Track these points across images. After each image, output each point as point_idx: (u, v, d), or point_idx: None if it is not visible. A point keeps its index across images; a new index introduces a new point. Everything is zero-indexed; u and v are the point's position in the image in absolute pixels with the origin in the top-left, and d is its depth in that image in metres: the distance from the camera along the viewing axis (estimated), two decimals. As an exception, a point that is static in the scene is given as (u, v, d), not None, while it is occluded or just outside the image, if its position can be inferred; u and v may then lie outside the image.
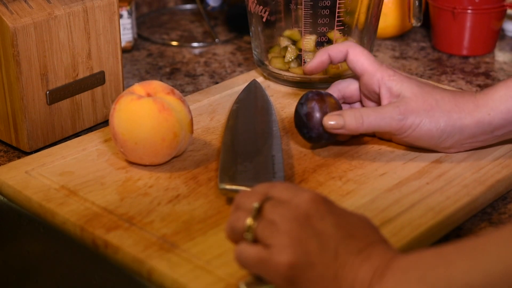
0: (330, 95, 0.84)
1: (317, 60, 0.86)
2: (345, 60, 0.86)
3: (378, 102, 0.84)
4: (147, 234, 0.72)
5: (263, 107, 0.92)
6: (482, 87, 1.07)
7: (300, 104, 0.84)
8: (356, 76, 0.87)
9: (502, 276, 0.54)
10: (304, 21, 0.97)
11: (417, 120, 0.80)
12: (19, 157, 0.89)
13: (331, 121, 0.81)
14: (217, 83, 1.07)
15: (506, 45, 1.21)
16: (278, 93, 1.00)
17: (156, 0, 1.36)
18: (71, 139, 0.91)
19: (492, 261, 0.55)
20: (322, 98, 0.83)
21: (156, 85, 0.82)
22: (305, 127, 0.83)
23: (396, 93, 0.81)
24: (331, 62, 0.86)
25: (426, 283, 0.57)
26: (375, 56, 1.16)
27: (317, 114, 0.82)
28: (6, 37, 0.84)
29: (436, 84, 1.00)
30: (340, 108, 0.84)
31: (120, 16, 1.15)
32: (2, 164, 0.87)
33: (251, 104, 0.93)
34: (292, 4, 0.97)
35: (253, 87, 0.97)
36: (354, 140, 0.88)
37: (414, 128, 0.80)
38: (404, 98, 0.81)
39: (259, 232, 0.62)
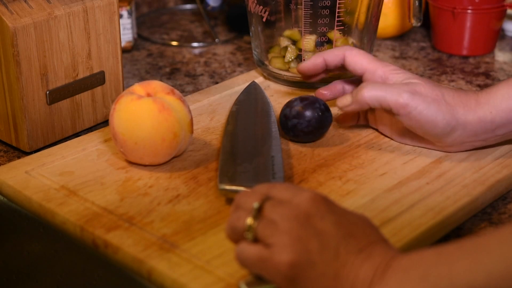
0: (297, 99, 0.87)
1: (311, 62, 0.86)
2: (342, 64, 0.86)
3: None
4: (147, 234, 0.72)
5: (262, 108, 0.92)
6: (482, 87, 1.07)
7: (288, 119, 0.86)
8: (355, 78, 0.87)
9: (503, 275, 0.54)
10: (304, 21, 0.97)
11: (424, 103, 0.79)
12: (19, 157, 0.89)
13: (341, 100, 0.83)
14: (217, 83, 1.07)
15: (506, 45, 1.21)
16: (278, 93, 1.00)
17: (156, 0, 1.36)
18: (71, 139, 0.91)
19: (494, 260, 0.55)
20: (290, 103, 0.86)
21: (156, 85, 0.82)
22: (285, 128, 0.87)
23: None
24: (326, 66, 0.86)
25: (427, 282, 0.57)
26: (375, 56, 1.16)
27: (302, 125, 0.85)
28: (6, 37, 0.84)
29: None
30: (308, 102, 0.86)
31: (120, 16, 1.15)
32: (2, 164, 0.87)
33: (250, 105, 0.93)
34: (292, 4, 0.97)
35: (253, 88, 0.97)
36: (355, 139, 0.88)
37: (420, 110, 0.79)
38: (412, 82, 0.80)
39: (260, 231, 0.62)
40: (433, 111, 0.79)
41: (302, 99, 0.86)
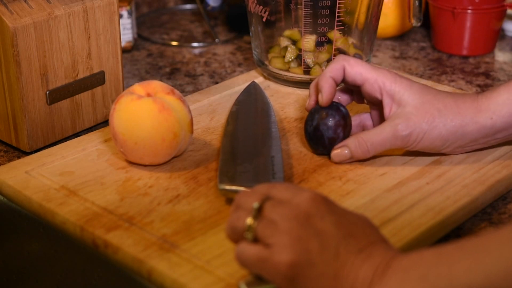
0: (339, 108, 0.84)
1: (326, 89, 0.83)
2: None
3: (381, 106, 0.84)
4: (147, 234, 0.72)
5: (262, 108, 0.92)
6: (482, 87, 1.07)
7: (311, 126, 0.84)
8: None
9: (503, 276, 0.54)
10: (304, 21, 0.97)
11: (421, 133, 0.80)
12: (19, 157, 0.89)
13: (338, 155, 0.82)
14: (217, 83, 1.07)
15: (506, 45, 1.21)
16: (278, 93, 1.00)
17: (156, 0, 1.36)
18: (71, 139, 0.91)
19: (493, 261, 0.55)
20: (334, 117, 0.83)
21: (156, 85, 0.82)
22: (323, 148, 0.84)
23: (398, 101, 0.81)
24: (336, 83, 0.85)
25: (427, 282, 0.57)
26: (375, 56, 1.16)
27: (334, 135, 0.83)
28: (6, 37, 0.84)
29: (436, 85, 1.00)
30: (349, 119, 0.84)
31: (120, 16, 1.15)
32: (2, 164, 0.87)
33: (250, 105, 0.93)
34: (292, 4, 0.97)
35: (253, 88, 0.97)
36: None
37: (419, 141, 0.81)
38: (404, 112, 0.80)
39: (260, 231, 0.62)
40: (429, 136, 0.80)
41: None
